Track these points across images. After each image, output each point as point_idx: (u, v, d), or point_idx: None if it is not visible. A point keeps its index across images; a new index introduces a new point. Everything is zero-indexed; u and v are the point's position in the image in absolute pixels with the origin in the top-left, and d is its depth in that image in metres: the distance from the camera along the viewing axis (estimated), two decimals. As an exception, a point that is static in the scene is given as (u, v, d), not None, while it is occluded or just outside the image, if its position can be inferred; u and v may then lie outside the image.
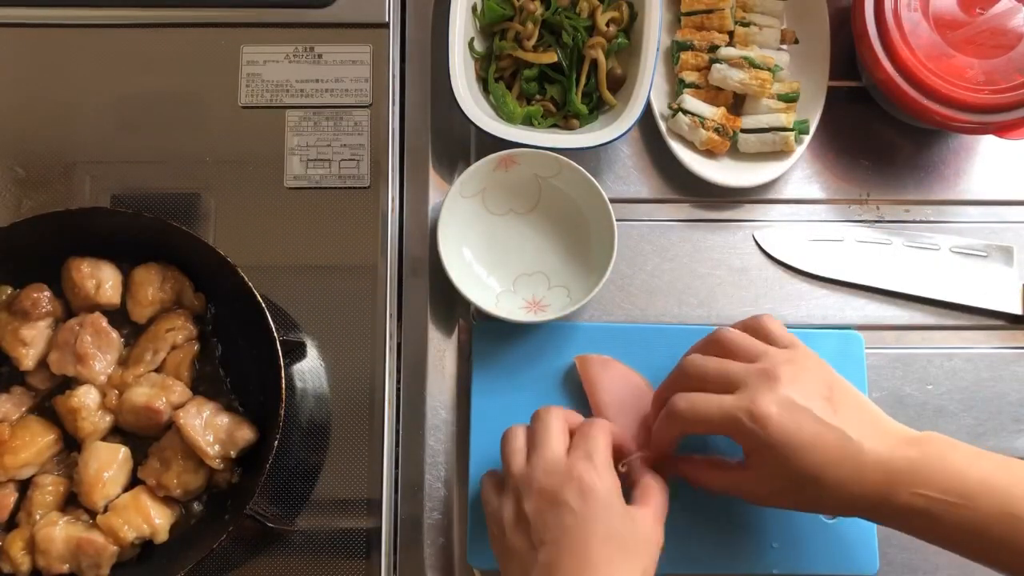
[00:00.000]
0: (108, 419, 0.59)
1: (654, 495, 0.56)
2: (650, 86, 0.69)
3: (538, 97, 0.72)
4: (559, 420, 0.57)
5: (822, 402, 0.54)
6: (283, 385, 0.56)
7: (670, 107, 0.72)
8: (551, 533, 0.52)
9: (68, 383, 0.60)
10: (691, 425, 0.56)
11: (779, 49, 0.74)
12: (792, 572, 0.65)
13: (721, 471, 0.58)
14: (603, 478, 0.53)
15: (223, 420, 0.58)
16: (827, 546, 0.65)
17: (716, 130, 0.71)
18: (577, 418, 0.60)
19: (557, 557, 0.51)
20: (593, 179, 0.67)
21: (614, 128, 0.68)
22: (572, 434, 0.58)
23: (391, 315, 0.67)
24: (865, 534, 0.66)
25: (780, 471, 0.54)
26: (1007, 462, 0.54)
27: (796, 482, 0.54)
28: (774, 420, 0.53)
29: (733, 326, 0.61)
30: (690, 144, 0.72)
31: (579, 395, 0.67)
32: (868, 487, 0.53)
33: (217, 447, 0.58)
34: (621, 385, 0.65)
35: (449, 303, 0.70)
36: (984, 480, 0.52)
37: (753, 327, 0.60)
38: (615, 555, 0.51)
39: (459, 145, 0.74)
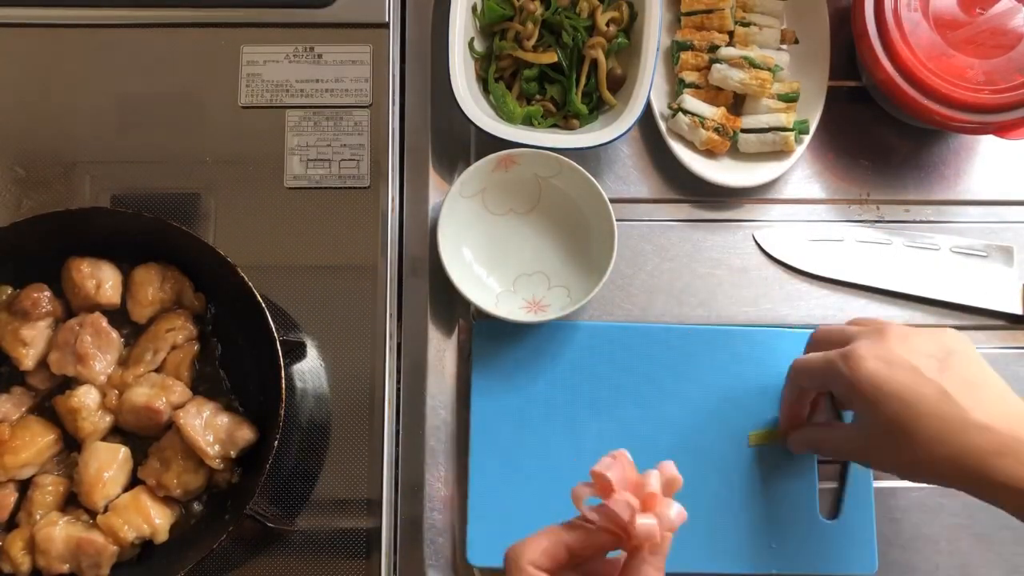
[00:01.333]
0: (108, 419, 0.59)
1: None
2: (650, 86, 0.69)
3: (538, 97, 0.72)
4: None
5: (929, 360, 0.53)
6: (283, 385, 0.56)
7: (670, 107, 0.72)
8: None
9: (68, 383, 0.60)
10: (800, 377, 0.60)
11: (779, 49, 0.74)
12: (791, 572, 0.65)
13: (831, 429, 0.62)
14: None
15: (223, 420, 0.58)
16: (826, 546, 0.65)
17: (716, 130, 0.71)
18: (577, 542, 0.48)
19: None
20: (593, 179, 0.67)
21: (614, 128, 0.68)
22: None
23: (391, 315, 0.67)
24: (864, 534, 0.65)
25: (872, 420, 0.54)
26: None
27: (888, 434, 0.53)
28: (866, 364, 0.53)
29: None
30: (690, 144, 0.72)
31: (578, 394, 0.67)
32: (965, 449, 0.51)
33: (217, 447, 0.58)
34: None
35: (449, 303, 0.70)
36: None
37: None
38: None
39: (459, 145, 0.74)
